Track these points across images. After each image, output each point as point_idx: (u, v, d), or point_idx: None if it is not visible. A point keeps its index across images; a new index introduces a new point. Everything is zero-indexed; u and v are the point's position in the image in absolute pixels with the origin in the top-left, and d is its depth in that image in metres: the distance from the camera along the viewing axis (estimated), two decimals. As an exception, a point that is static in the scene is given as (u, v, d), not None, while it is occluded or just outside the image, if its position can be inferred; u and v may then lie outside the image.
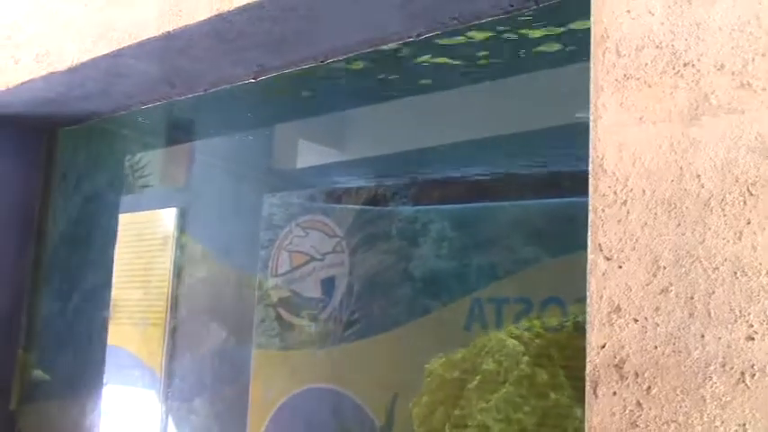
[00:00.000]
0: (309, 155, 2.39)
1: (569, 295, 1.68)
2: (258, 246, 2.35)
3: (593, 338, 0.80)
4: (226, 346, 2.39)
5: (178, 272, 2.48)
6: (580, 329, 1.40)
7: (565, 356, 1.46)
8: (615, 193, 0.81)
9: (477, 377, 1.54)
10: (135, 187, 2.57)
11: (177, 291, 2.47)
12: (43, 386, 1.75)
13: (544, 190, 1.88)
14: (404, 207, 2.11)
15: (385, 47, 1.23)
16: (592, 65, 0.85)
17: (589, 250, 0.82)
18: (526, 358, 1.48)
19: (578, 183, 0.91)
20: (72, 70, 1.40)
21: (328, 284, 2.22)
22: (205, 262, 2.49)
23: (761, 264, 0.71)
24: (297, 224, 2.30)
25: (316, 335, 2.20)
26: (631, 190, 0.80)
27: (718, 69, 0.77)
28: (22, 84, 1.50)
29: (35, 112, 1.67)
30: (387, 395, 1.97)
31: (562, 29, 1.26)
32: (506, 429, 1.46)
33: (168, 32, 1.24)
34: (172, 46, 1.28)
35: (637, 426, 0.76)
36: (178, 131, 2.07)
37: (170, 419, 2.42)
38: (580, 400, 0.82)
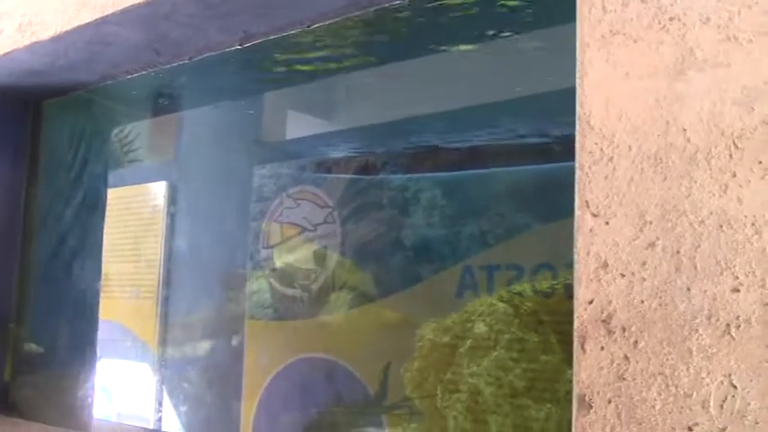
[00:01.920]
0: (298, 125, 2.37)
1: (560, 261, 1.68)
2: (249, 218, 2.35)
3: (581, 294, 0.80)
4: (219, 317, 2.40)
5: (169, 245, 2.48)
6: (570, 292, 1.40)
7: (556, 319, 1.47)
8: (602, 149, 0.81)
9: (468, 341, 1.55)
10: (123, 162, 2.56)
11: (169, 263, 2.47)
12: (36, 358, 1.75)
13: (535, 156, 1.88)
14: (394, 176, 2.11)
15: (371, 9, 1.22)
16: (577, 21, 0.85)
17: (576, 207, 0.82)
18: (517, 321, 1.49)
19: (569, 148, 0.91)
20: (55, 39, 1.39)
21: (320, 255, 2.22)
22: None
23: (746, 216, 0.72)
24: (287, 195, 2.30)
25: (308, 305, 2.20)
26: (618, 146, 0.80)
27: (704, 23, 0.76)
28: (5, 54, 1.48)
29: (19, 84, 1.65)
30: (380, 363, 1.98)
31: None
32: (498, 392, 1.47)
33: (152, -2, 1.23)
34: (155, 12, 1.27)
35: (624, 379, 0.76)
36: (165, 102, 2.05)
37: (165, 392, 2.43)
38: (571, 361, 0.83)
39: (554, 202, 1.76)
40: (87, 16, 1.31)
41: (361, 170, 2.17)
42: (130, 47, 1.42)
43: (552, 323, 1.47)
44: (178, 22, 1.30)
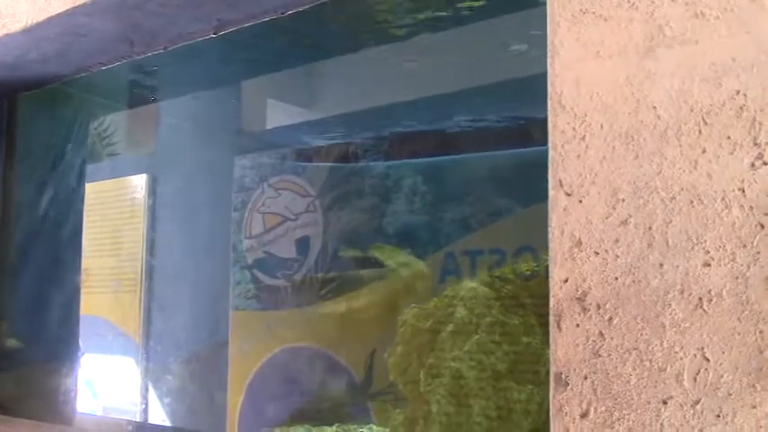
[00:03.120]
0: (279, 115, 2.37)
1: (541, 243, 1.69)
2: (230, 208, 2.34)
3: (556, 273, 0.81)
4: (203, 309, 2.39)
5: (150, 237, 2.47)
6: (550, 274, 1.41)
7: (536, 301, 1.48)
8: (574, 128, 0.81)
9: (450, 325, 1.55)
10: (103, 155, 2.54)
11: (150, 256, 2.46)
12: (18, 354, 1.74)
13: (514, 140, 1.89)
14: (375, 163, 2.11)
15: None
16: (548, 1, 0.85)
17: (550, 187, 0.83)
18: (498, 305, 1.50)
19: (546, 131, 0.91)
20: (27, 31, 1.37)
21: (303, 244, 2.22)
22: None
23: (715, 191, 0.72)
24: (269, 185, 2.30)
25: (292, 295, 2.20)
26: (589, 125, 0.80)
27: (672, 0, 0.77)
28: (-23, 48, 1.47)
29: (-8, 78, 1.64)
30: (365, 351, 1.99)
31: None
32: (480, 375, 1.48)
33: (123, -12, 1.22)
34: (127, 2, 1.26)
35: (599, 355, 0.77)
36: (144, 94, 2.04)
37: (150, 385, 2.43)
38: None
39: (534, 185, 1.77)
40: (58, 7, 1.30)
41: (341, 158, 2.17)
42: (104, 38, 1.41)
43: (533, 305, 1.48)
44: (150, 12, 1.29)
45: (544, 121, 0.85)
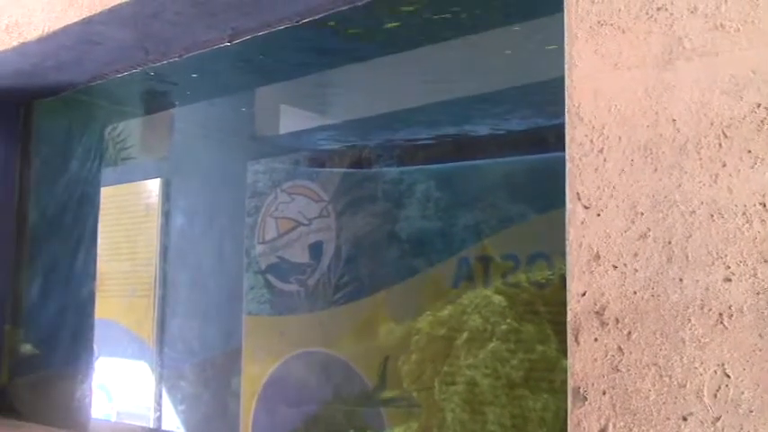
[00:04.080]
0: (292, 120, 2.37)
1: (556, 250, 1.68)
2: (244, 213, 2.35)
3: (574, 287, 0.80)
4: (217, 314, 2.40)
5: (164, 242, 2.48)
6: (565, 282, 1.40)
7: (551, 309, 1.47)
8: (592, 141, 0.81)
9: (465, 334, 1.55)
10: (117, 160, 2.55)
11: (164, 261, 2.47)
12: (34, 360, 1.75)
13: (529, 146, 1.88)
14: (388, 168, 2.11)
15: (360, 3, 1.21)
16: (565, 13, 0.84)
17: (567, 199, 0.82)
18: (512, 312, 1.49)
19: (562, 138, 0.91)
20: (43, 40, 1.38)
21: (316, 249, 2.22)
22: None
23: (736, 206, 0.72)
24: (282, 190, 2.30)
25: (306, 299, 2.20)
26: (608, 137, 0.80)
27: (692, 12, 0.76)
28: (-6, 56, 1.47)
29: (9, 85, 1.65)
30: (378, 356, 1.98)
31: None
32: (495, 383, 1.47)
33: (138, -3, 1.22)
34: (143, 11, 1.26)
35: (618, 370, 0.76)
36: (157, 100, 2.04)
37: (164, 389, 2.43)
38: (567, 350, 0.83)
39: (549, 192, 1.76)
40: (74, 16, 1.31)
41: (354, 164, 2.17)
42: (119, 46, 1.42)
43: (547, 313, 1.48)
44: (165, 21, 1.29)
45: (558, 128, 0.84)
